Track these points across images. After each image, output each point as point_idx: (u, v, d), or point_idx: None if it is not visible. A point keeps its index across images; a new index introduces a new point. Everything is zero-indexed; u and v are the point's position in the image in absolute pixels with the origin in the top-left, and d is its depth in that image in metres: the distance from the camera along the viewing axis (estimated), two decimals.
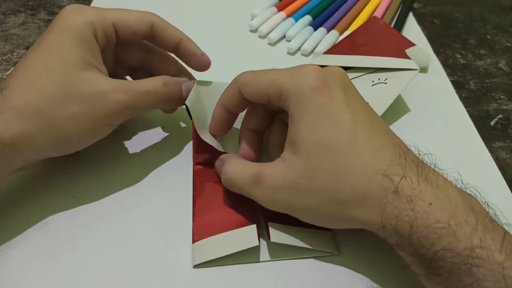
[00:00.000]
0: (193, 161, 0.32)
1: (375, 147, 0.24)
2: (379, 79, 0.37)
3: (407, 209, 0.22)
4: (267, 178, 0.25)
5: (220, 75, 0.33)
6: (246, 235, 0.27)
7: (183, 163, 0.33)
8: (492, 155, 0.35)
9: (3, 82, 0.26)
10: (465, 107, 0.40)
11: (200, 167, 0.32)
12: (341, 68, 0.28)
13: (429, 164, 0.25)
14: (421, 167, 0.24)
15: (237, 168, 0.27)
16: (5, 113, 0.25)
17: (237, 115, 0.31)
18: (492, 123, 0.39)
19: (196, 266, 0.26)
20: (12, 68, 0.39)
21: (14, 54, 0.45)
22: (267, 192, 0.26)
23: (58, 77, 0.26)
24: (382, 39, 0.41)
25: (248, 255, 0.27)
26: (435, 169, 0.24)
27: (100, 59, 0.29)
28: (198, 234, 0.28)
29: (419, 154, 0.25)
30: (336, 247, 0.27)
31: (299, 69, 0.26)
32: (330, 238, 0.28)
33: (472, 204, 0.22)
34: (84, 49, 0.27)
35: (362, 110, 0.26)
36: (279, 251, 0.27)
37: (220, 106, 0.30)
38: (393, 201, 0.22)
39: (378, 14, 0.51)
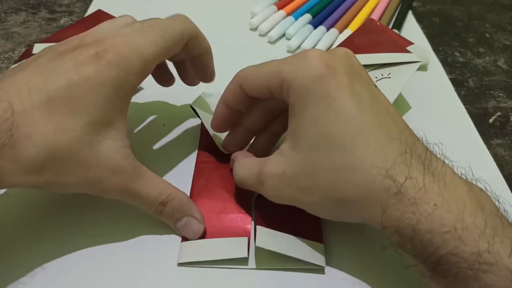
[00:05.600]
0: (197, 159, 0.32)
1: (380, 142, 0.23)
2: (382, 75, 0.37)
3: (409, 211, 0.21)
4: (268, 178, 0.25)
5: (220, 73, 0.33)
6: (236, 246, 0.26)
7: (183, 162, 0.33)
8: (490, 152, 0.35)
9: (18, 114, 0.22)
10: (464, 104, 0.40)
11: (202, 165, 0.32)
12: (347, 49, 0.26)
13: (438, 155, 0.24)
14: (427, 164, 0.22)
15: (243, 170, 0.27)
16: (11, 162, 0.22)
17: (240, 112, 0.30)
18: (490, 120, 0.40)
19: (180, 265, 0.26)
20: (14, 66, 0.39)
21: (16, 52, 0.45)
22: (271, 191, 0.26)
23: (75, 139, 0.23)
24: (381, 39, 0.41)
25: (234, 262, 0.26)
26: (444, 162, 0.23)
27: (128, 107, 0.26)
28: None
29: (427, 144, 0.24)
30: (325, 261, 0.26)
31: (302, 56, 0.25)
32: (321, 251, 0.26)
33: (481, 203, 0.21)
34: (117, 100, 0.25)
35: (368, 98, 0.24)
36: (266, 260, 0.26)
37: (221, 103, 0.29)
38: (395, 203, 0.21)
39: (378, 12, 0.51)
